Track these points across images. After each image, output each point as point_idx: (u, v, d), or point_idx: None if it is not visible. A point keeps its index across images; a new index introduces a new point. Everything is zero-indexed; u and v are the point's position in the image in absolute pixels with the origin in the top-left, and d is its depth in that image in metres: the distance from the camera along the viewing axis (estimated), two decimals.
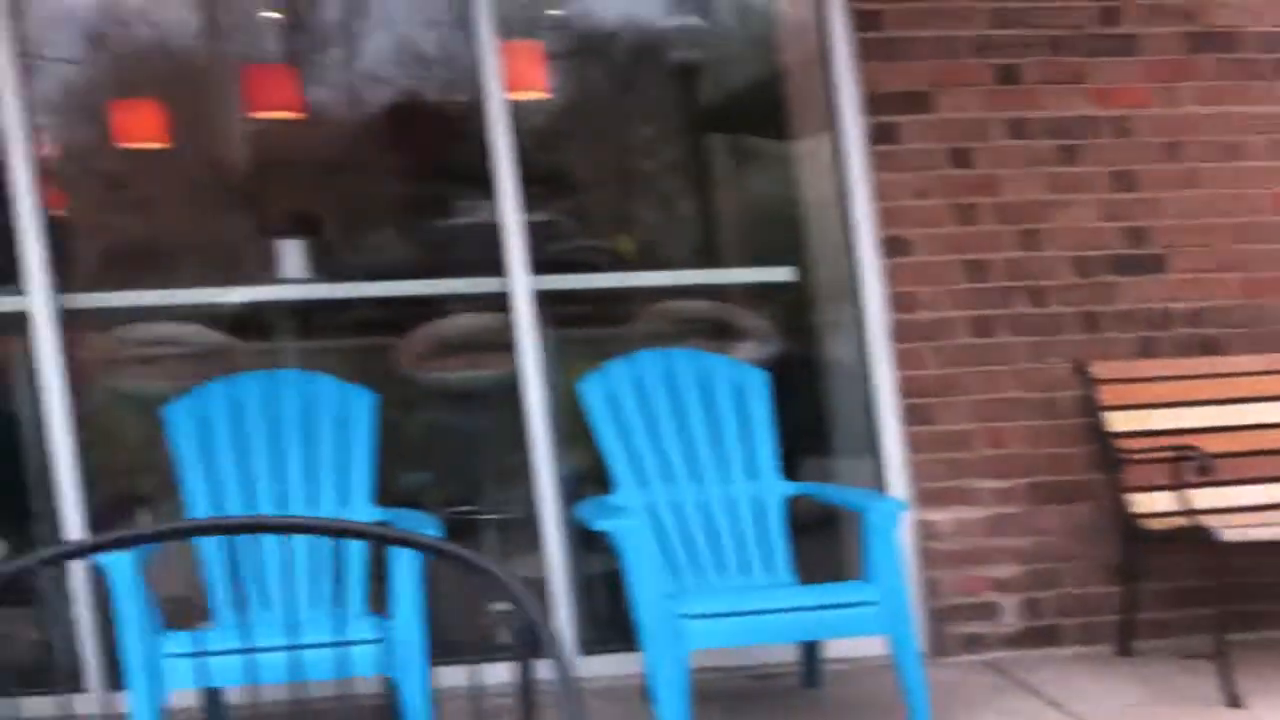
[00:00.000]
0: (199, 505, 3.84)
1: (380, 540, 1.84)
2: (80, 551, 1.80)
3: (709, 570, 4.06)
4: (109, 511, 4.30)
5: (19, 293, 4.02)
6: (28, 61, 3.98)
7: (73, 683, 4.06)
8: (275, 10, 6.21)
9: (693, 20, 6.43)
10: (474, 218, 6.01)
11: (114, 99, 5.59)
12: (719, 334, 5.31)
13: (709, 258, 6.21)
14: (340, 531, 2.14)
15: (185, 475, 3.87)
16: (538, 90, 5.21)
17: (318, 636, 3.11)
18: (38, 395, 4.04)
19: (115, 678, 3.96)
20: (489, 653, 4.23)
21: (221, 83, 5.86)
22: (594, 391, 4.10)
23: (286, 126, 5.94)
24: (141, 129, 5.49)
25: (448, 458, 5.22)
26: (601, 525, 3.70)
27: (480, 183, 4.46)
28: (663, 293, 5.13)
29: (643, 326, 5.15)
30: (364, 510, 3.92)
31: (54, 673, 4.23)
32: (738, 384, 4.20)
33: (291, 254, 4.41)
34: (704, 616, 3.61)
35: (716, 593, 3.96)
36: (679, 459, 4.13)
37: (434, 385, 5.14)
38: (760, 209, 6.21)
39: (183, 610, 3.82)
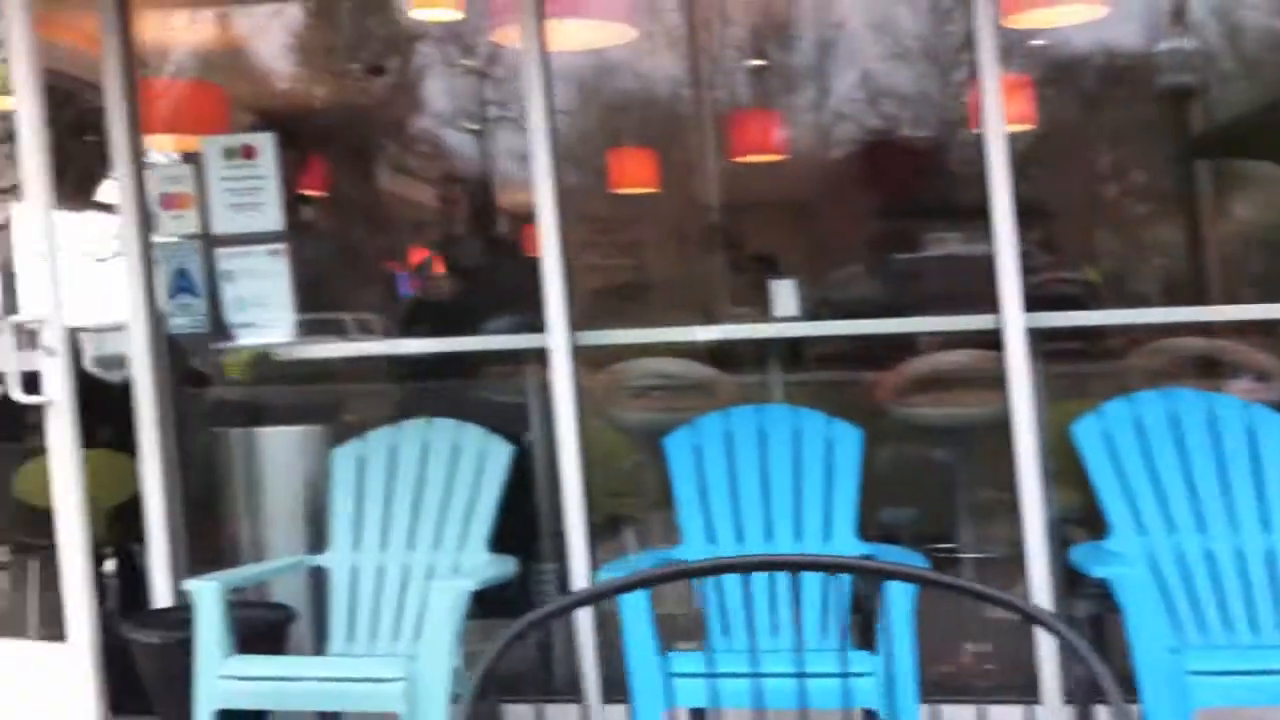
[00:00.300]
0: (692, 531, 4.03)
1: (919, 581, 1.85)
2: (611, 592, 1.92)
3: (1215, 625, 3.82)
4: (601, 531, 4.58)
5: (541, 330, 4.37)
6: (553, 118, 4.32)
7: (571, 693, 4.34)
8: (754, 57, 6.46)
9: (1179, 43, 6.13)
10: (944, 251, 5.99)
11: (610, 147, 5.98)
12: (1213, 372, 5.01)
13: (1195, 291, 5.87)
14: (857, 568, 2.18)
15: (680, 502, 4.07)
16: (1027, 122, 5.13)
17: (823, 666, 3.20)
18: (552, 424, 4.36)
19: (612, 691, 4.24)
20: (965, 691, 4.21)
21: (705, 128, 6.15)
22: (1091, 432, 3.96)
23: (766, 168, 6.15)
24: (633, 175, 5.84)
25: (926, 494, 5.20)
26: (1100, 572, 3.56)
27: (953, 216, 4.42)
28: (1159, 329, 4.90)
29: (1132, 363, 4.94)
30: (848, 544, 3.97)
31: (552, 681, 4.55)
32: (1249, 427, 3.93)
33: (784, 292, 4.57)
34: (1212, 674, 3.41)
35: (1224, 649, 3.72)
36: (1182, 506, 3.91)
37: (912, 420, 5.15)
38: (1259, 237, 5.83)
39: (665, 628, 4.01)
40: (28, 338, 4.21)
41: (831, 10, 6.88)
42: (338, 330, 6.04)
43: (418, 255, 6.72)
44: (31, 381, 4.24)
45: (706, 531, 4.04)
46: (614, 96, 6.38)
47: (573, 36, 4.74)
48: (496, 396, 5.28)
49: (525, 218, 8.43)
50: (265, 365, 5.25)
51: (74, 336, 4.44)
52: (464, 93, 7.94)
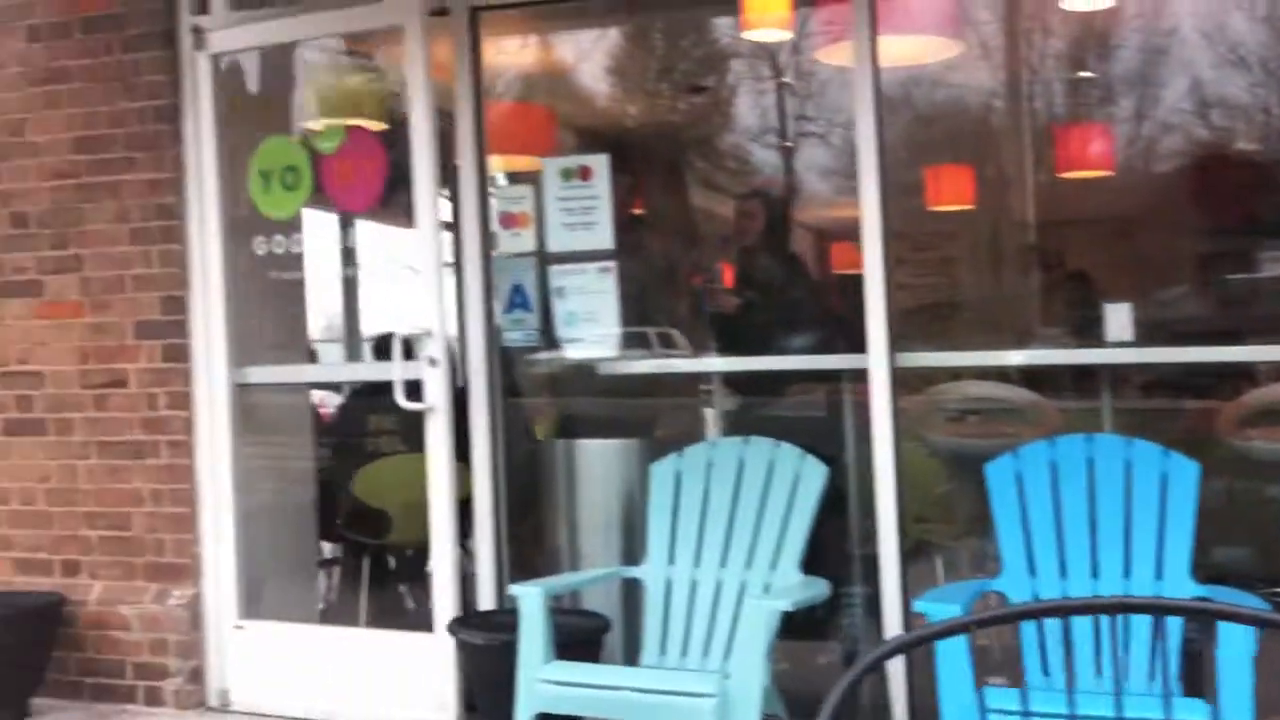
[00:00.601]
0: (1013, 563, 3.90)
1: (1262, 624, 1.72)
2: (960, 628, 1.86)
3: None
4: (908, 557, 4.49)
5: (851, 349, 4.35)
6: (881, 134, 4.28)
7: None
8: (1075, 69, 6.24)
9: None
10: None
11: (926, 163, 5.88)
12: None
13: None
14: (1199, 612, 2.05)
15: (1001, 532, 3.95)
16: None
17: (1149, 713, 3.03)
18: (864, 445, 4.32)
19: None
20: None
21: (1023, 142, 5.97)
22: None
23: (1086, 183, 5.92)
24: (949, 191, 5.72)
25: (1262, 533, 4.88)
26: None
27: None
28: None
29: None
30: (1183, 586, 3.76)
31: (858, 709, 4.49)
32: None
33: (1117, 316, 4.37)
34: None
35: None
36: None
37: (1250, 454, 4.85)
38: None
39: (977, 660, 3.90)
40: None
41: (1158, 18, 6.57)
42: (642, 344, 6.15)
43: (701, 275, 6.81)
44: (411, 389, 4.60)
45: (1028, 563, 3.91)
46: (930, 111, 6.27)
47: (901, 52, 4.68)
48: (804, 414, 5.28)
49: (831, 234, 8.43)
50: (584, 379, 5.42)
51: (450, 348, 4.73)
52: (776, 110, 7.99)
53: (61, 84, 5.14)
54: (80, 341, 5.13)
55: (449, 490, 4.65)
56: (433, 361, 4.66)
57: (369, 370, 5.02)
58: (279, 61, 5.47)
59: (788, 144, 8.08)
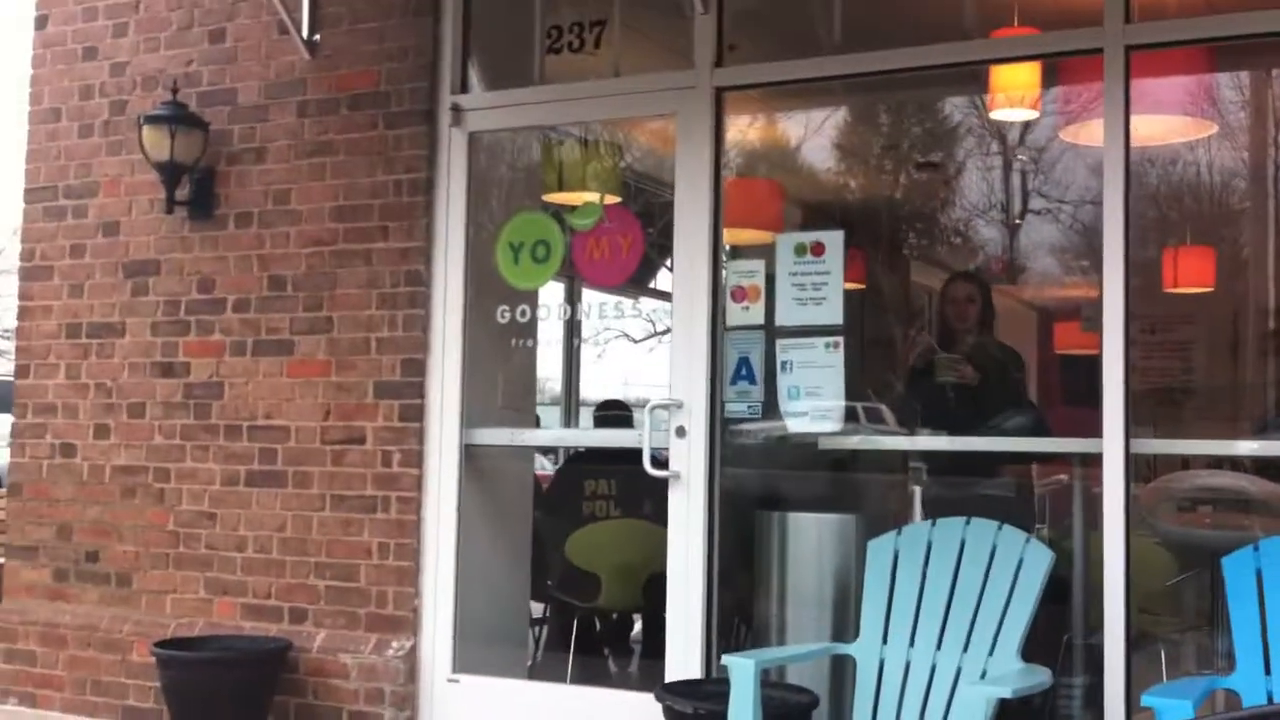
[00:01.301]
0: (1248, 661, 3.74)
1: None
2: None
3: None
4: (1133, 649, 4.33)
5: (1096, 435, 4.25)
6: (1129, 215, 4.21)
7: None
8: None
9: None
10: None
11: (1166, 245, 5.73)
12: None
13: None
14: None
15: (1237, 627, 3.79)
16: None
17: None
18: (1098, 531, 4.20)
19: None
20: None
21: (1267, 225, 5.76)
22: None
23: None
24: (1188, 273, 5.57)
25: None
26: None
27: None
28: None
29: None
30: None
31: None
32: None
33: None
34: None
35: None
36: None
37: None
38: None
39: None
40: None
41: None
42: (851, 419, 6.12)
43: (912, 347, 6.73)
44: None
45: (1263, 663, 3.74)
46: (1168, 190, 6.11)
47: (1152, 131, 4.61)
48: (1011, 494, 5.17)
49: (1056, 314, 8.25)
50: (800, 451, 5.43)
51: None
52: (1003, 187, 7.90)
53: (326, 156, 5.47)
54: (324, 399, 5.41)
55: (702, 556, 4.75)
56: (681, 431, 4.80)
57: (605, 436, 5.15)
58: (526, 137, 5.72)
59: (1017, 222, 7.97)
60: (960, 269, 8.25)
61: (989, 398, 5.26)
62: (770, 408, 4.79)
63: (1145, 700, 3.58)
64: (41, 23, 6.20)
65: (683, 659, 4.76)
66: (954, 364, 5.29)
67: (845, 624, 4.60)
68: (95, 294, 5.94)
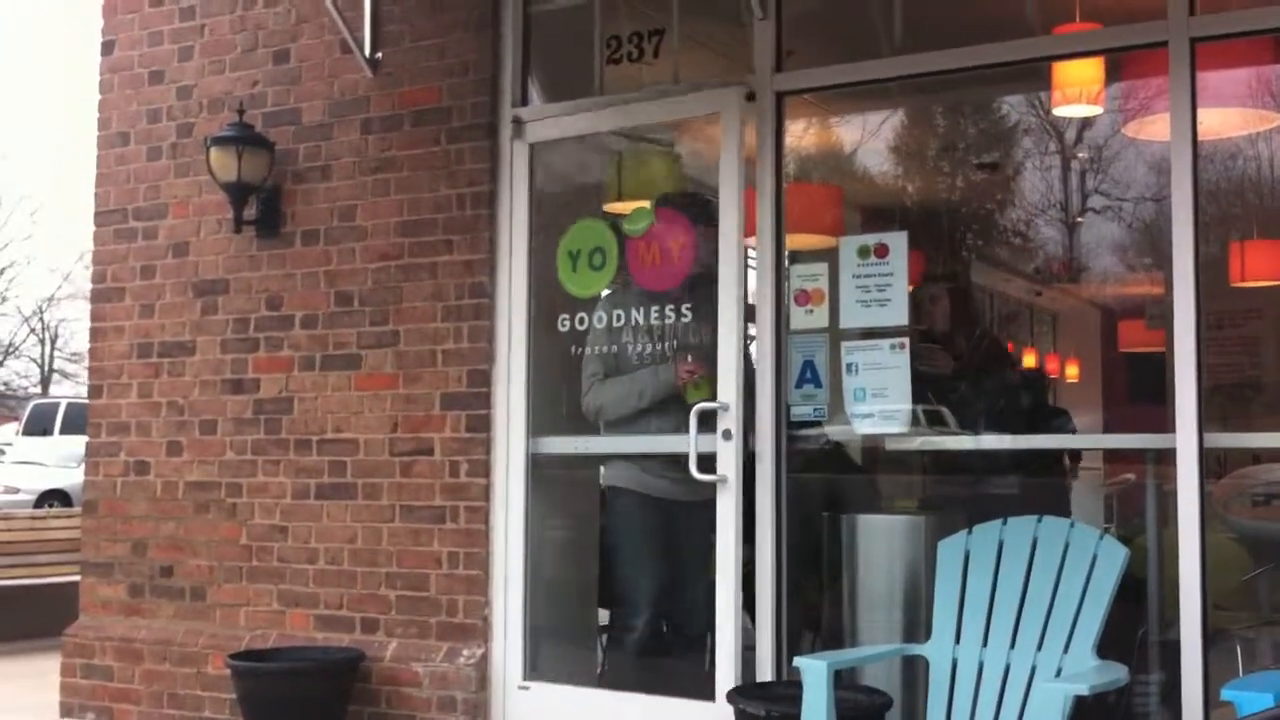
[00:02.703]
0: None
1: None
2: None
3: None
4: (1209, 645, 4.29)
5: (1169, 431, 4.23)
6: (1198, 210, 4.19)
7: None
8: None
9: None
10: None
11: (1235, 239, 5.69)
12: None
13: None
14: None
15: None
16: None
17: None
18: (1162, 527, 4.18)
19: None
20: None
21: None
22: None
23: None
24: (1256, 267, 5.52)
25: None
26: None
27: None
28: None
29: None
30: None
31: None
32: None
33: None
34: None
35: None
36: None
37: None
38: None
39: None
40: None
41: None
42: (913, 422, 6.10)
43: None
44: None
45: None
46: (1232, 184, 6.05)
47: (1218, 124, 4.58)
48: (1085, 494, 5.12)
49: (1120, 312, 8.18)
50: (867, 454, 5.42)
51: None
52: (1062, 186, 7.85)
53: (389, 172, 5.55)
54: (392, 411, 5.47)
55: (770, 559, 4.76)
56: (727, 435, 4.81)
57: (659, 443, 5.16)
58: (584, 147, 5.77)
59: (1077, 220, 7.92)
60: (1021, 268, 8.24)
61: (974, 387, 5.21)
62: (838, 410, 4.80)
63: (1225, 694, 3.55)
64: (108, 48, 6.33)
65: (729, 663, 4.77)
66: (930, 353, 5.13)
67: (917, 625, 4.59)
68: (166, 314, 6.05)
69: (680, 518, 5.16)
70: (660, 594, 5.22)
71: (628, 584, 5.40)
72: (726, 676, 4.73)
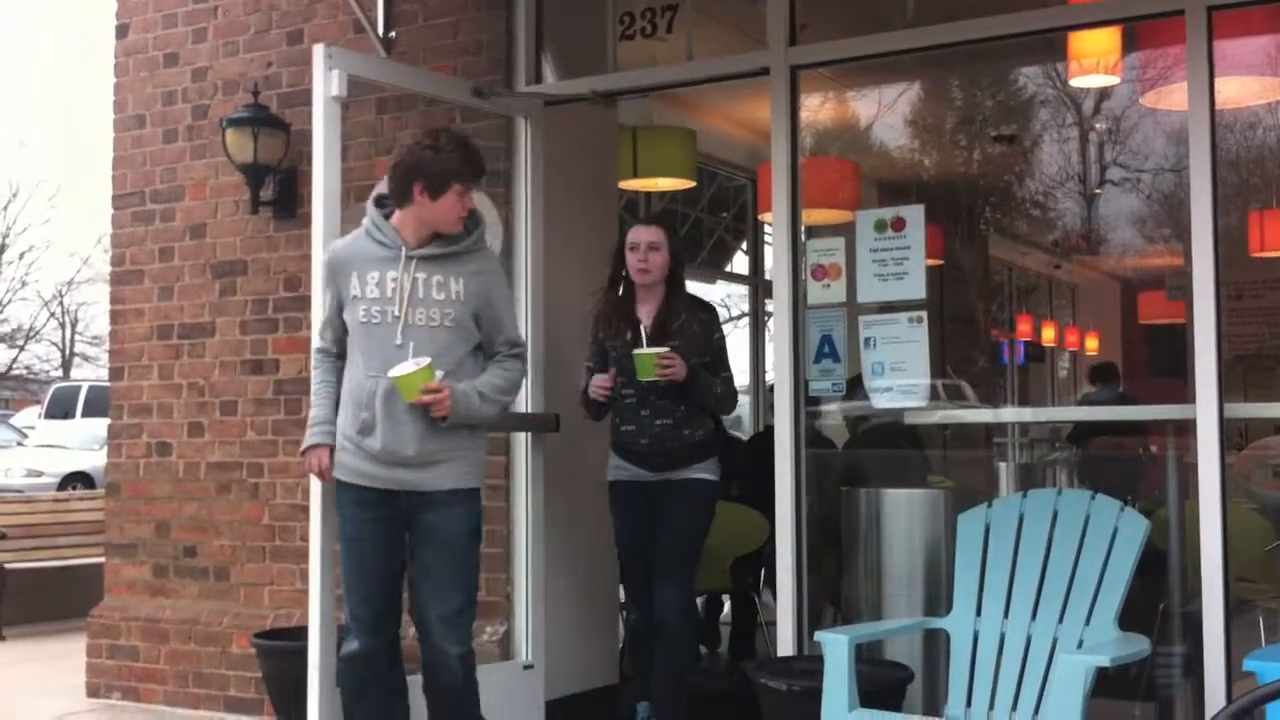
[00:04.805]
0: None
1: None
2: None
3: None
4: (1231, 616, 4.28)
5: (1189, 402, 4.21)
6: (1216, 181, 4.17)
7: None
8: None
9: None
10: None
11: (1255, 209, 5.65)
12: None
13: None
14: None
15: None
16: None
17: None
18: (1182, 498, 4.17)
19: None
20: None
21: None
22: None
23: None
24: (1275, 238, 5.48)
25: None
26: None
27: None
28: None
29: None
30: None
31: None
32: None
33: None
34: None
35: None
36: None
37: None
38: None
39: None
40: None
41: None
42: (932, 397, 6.10)
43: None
44: None
45: None
46: (1249, 154, 6.01)
47: (1237, 94, 4.55)
48: (1102, 465, 5.10)
49: (1139, 284, 8.15)
50: (883, 428, 5.41)
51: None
52: (1080, 158, 7.81)
53: None
54: None
55: (790, 534, 4.76)
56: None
57: None
58: (600, 125, 5.76)
59: (1095, 192, 7.88)
60: (1041, 241, 8.20)
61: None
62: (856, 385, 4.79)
63: (1247, 665, 3.54)
64: (122, 31, 6.34)
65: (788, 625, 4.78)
66: (660, 360, 4.48)
67: (937, 599, 4.60)
68: (185, 295, 6.08)
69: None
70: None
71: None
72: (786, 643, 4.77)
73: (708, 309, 4.84)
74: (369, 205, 4.17)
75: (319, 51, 4.60)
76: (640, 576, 4.77)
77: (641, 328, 4.66)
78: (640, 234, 4.76)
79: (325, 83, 4.61)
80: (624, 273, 4.77)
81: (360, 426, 4.01)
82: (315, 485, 4.41)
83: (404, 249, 4.02)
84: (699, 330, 4.68)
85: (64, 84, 49.20)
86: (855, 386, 4.87)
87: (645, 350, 4.50)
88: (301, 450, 4.23)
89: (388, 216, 4.09)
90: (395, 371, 3.90)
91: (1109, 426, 5.79)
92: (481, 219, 4.19)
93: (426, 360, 3.91)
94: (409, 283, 3.99)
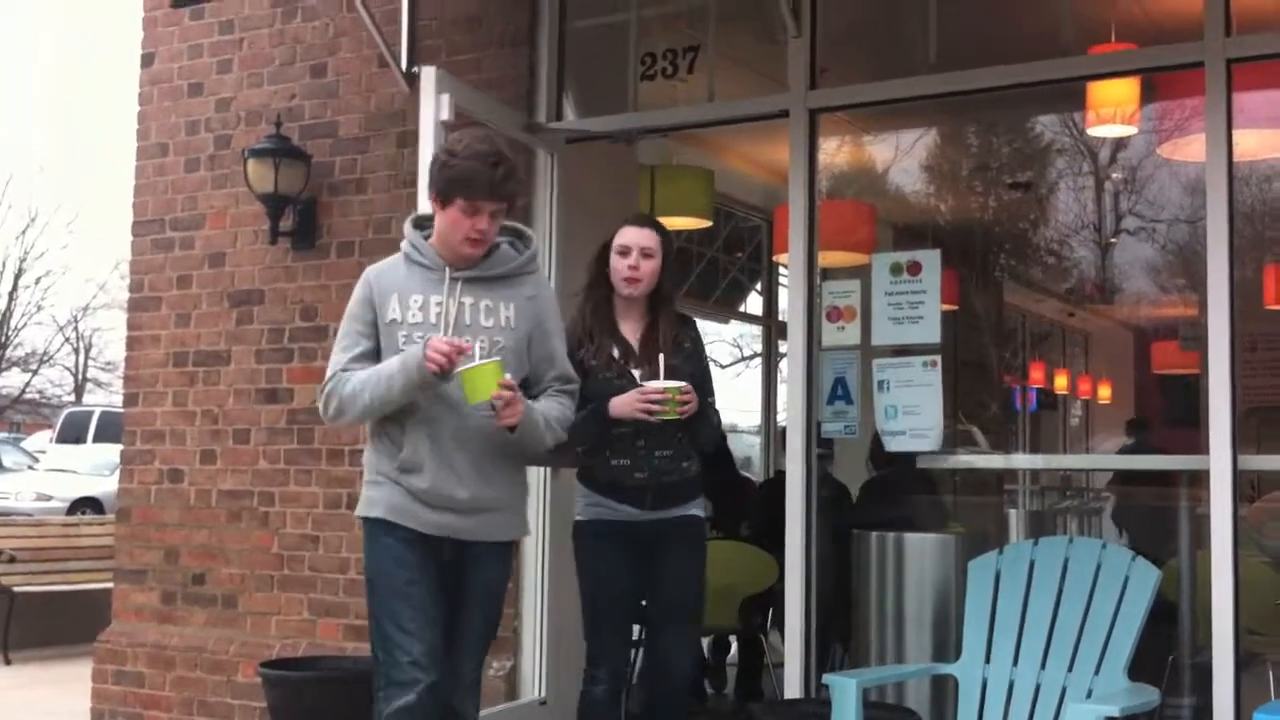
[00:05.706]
0: None
1: None
2: None
3: None
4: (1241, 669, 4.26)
5: (1203, 452, 4.21)
6: (1233, 232, 4.18)
7: None
8: None
9: None
10: None
11: (1270, 261, 5.66)
12: None
13: None
14: None
15: None
16: None
17: None
18: (1204, 549, 4.15)
19: None
20: None
21: None
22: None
23: None
24: None
25: None
26: None
27: None
28: None
29: None
30: None
31: None
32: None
33: None
34: None
35: None
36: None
37: None
38: None
39: None
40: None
41: None
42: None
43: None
44: None
45: None
46: (1265, 206, 6.02)
47: (1255, 146, 4.57)
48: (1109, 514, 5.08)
49: (1152, 333, 8.15)
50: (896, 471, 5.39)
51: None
52: (1095, 206, 7.83)
53: None
54: None
55: (800, 576, 4.76)
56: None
57: None
58: (619, 163, 5.79)
59: (1110, 241, 7.90)
60: (1054, 288, 8.20)
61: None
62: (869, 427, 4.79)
63: (1257, 718, 3.52)
64: (148, 60, 6.40)
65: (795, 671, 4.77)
66: (680, 396, 3.84)
67: (946, 644, 4.58)
68: (202, 323, 6.11)
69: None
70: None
71: None
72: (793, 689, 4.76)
73: (689, 323, 4.21)
74: (407, 226, 3.73)
75: (429, 74, 4.69)
76: (621, 634, 4.14)
77: (632, 347, 4.02)
78: (633, 235, 4.04)
79: (436, 106, 4.63)
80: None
81: (400, 464, 3.52)
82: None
83: (447, 270, 3.56)
84: (690, 349, 4.10)
85: (64, 84, 49.32)
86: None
87: (671, 384, 3.83)
88: (416, 368, 3.41)
89: (428, 238, 3.64)
90: (465, 364, 3.37)
91: (1143, 477, 5.78)
92: (532, 240, 3.74)
93: (497, 356, 3.45)
94: (454, 307, 3.52)
